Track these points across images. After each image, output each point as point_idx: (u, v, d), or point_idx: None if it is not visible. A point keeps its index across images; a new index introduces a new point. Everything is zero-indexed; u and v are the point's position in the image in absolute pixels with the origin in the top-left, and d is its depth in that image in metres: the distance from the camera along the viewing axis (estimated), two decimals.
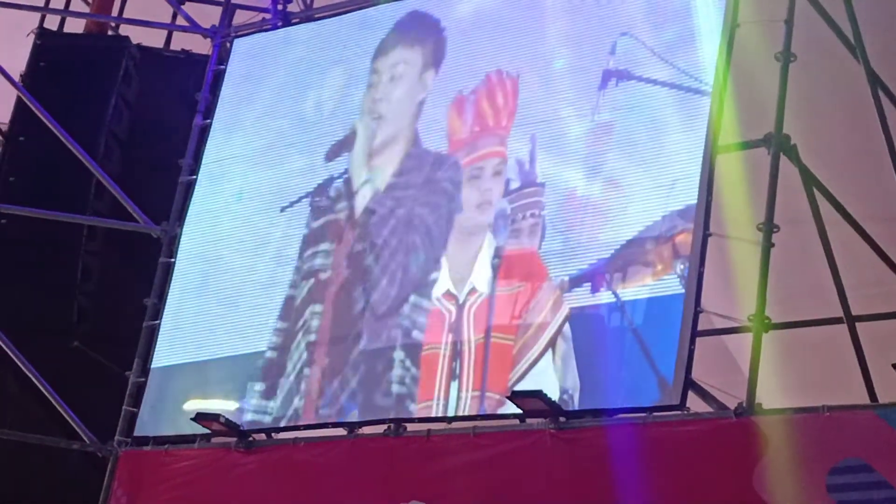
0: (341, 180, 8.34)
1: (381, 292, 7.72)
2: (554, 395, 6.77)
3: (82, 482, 8.74)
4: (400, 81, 8.41)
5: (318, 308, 7.96)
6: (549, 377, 6.89)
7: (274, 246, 8.43)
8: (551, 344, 6.97)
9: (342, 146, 8.43)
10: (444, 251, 7.63)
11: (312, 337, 7.89)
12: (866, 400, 6.78)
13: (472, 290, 7.40)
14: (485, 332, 7.23)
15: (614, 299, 6.88)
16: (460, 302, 7.43)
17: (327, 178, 8.41)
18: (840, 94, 8.22)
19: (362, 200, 8.16)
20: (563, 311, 6.99)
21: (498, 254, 7.41)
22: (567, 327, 6.94)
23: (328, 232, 8.21)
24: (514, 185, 7.55)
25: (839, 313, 6.98)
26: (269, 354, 8.06)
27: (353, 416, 7.51)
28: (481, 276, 7.41)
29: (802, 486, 5.97)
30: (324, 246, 8.17)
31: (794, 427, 6.12)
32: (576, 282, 7.03)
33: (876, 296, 7.65)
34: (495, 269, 7.38)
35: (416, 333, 7.49)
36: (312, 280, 8.09)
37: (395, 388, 7.42)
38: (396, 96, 8.39)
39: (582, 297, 6.99)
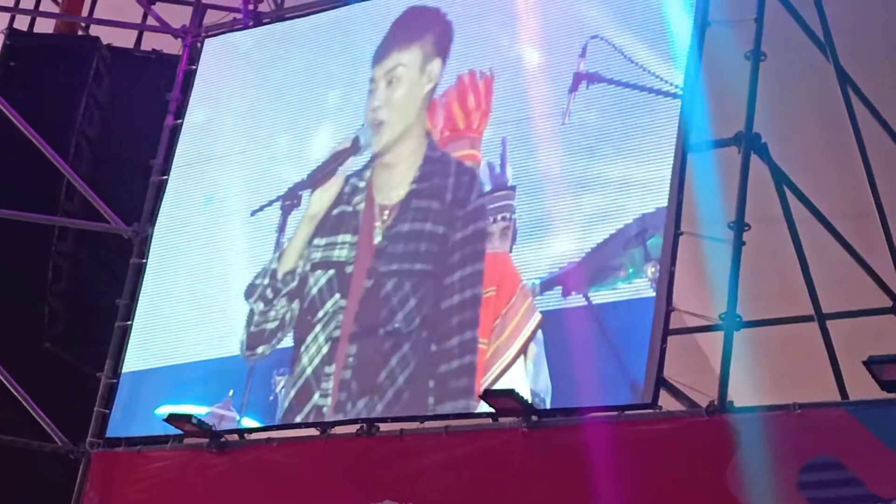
0: (354, 174, 8.20)
1: (405, 318, 7.55)
2: (529, 395, 6.77)
3: (54, 484, 8.71)
4: (398, 83, 8.36)
5: (342, 302, 7.85)
6: (522, 381, 6.89)
7: (245, 248, 8.39)
8: (524, 349, 6.97)
9: (347, 152, 8.30)
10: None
11: (335, 332, 7.77)
12: (837, 397, 6.80)
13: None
14: None
15: (585, 303, 6.89)
16: None
17: (302, 180, 8.38)
18: (810, 93, 8.25)
19: (382, 197, 8.02)
20: (536, 315, 6.99)
21: None
22: (539, 332, 6.94)
23: (346, 225, 8.07)
24: (486, 188, 7.54)
25: (810, 311, 7.01)
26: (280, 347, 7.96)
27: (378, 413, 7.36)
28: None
29: (774, 484, 5.99)
30: (344, 238, 8.03)
31: (766, 425, 6.14)
32: (547, 285, 7.04)
33: (846, 293, 7.68)
34: None
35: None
36: (333, 271, 7.97)
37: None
38: (397, 97, 8.34)
39: (553, 300, 7.00)
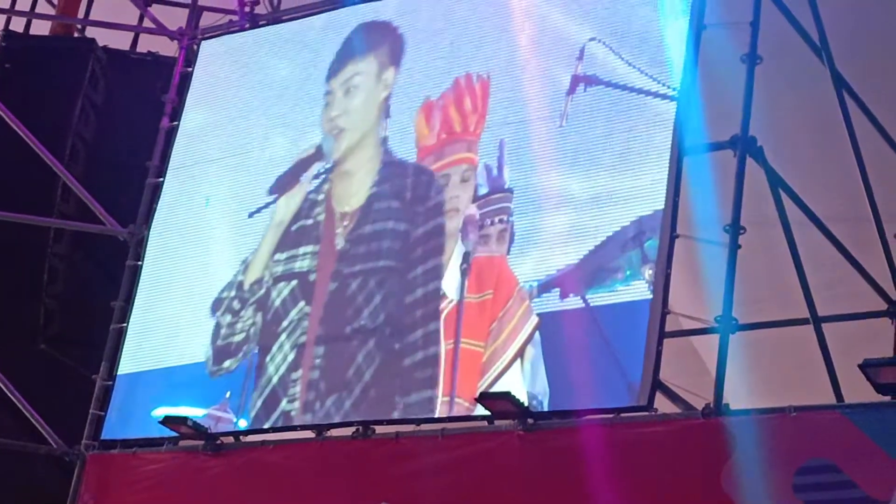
0: (314, 190, 8.28)
1: (370, 314, 7.62)
2: (525, 399, 6.78)
3: (49, 486, 8.70)
4: (356, 91, 8.42)
5: (306, 309, 7.90)
6: (519, 384, 6.89)
7: (239, 250, 8.40)
8: (521, 352, 6.97)
9: (311, 159, 8.38)
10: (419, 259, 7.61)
11: (300, 338, 7.83)
12: (833, 400, 6.80)
13: (443, 296, 7.40)
14: (454, 338, 7.23)
15: (583, 305, 6.89)
16: None
17: (295, 182, 8.39)
18: (806, 96, 8.26)
19: (342, 205, 8.10)
20: (533, 318, 6.99)
21: (466, 259, 7.41)
22: (536, 334, 6.95)
23: (307, 237, 8.15)
24: (483, 190, 7.55)
25: (805, 314, 7.01)
26: (243, 357, 8.03)
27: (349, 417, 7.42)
28: (451, 282, 7.41)
29: (770, 487, 6.00)
30: (305, 249, 8.11)
31: (762, 427, 6.14)
32: (544, 287, 7.04)
33: (842, 296, 7.69)
34: (464, 274, 7.38)
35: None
36: (295, 282, 8.04)
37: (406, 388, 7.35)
38: (355, 105, 8.39)
39: (551, 302, 7.00)
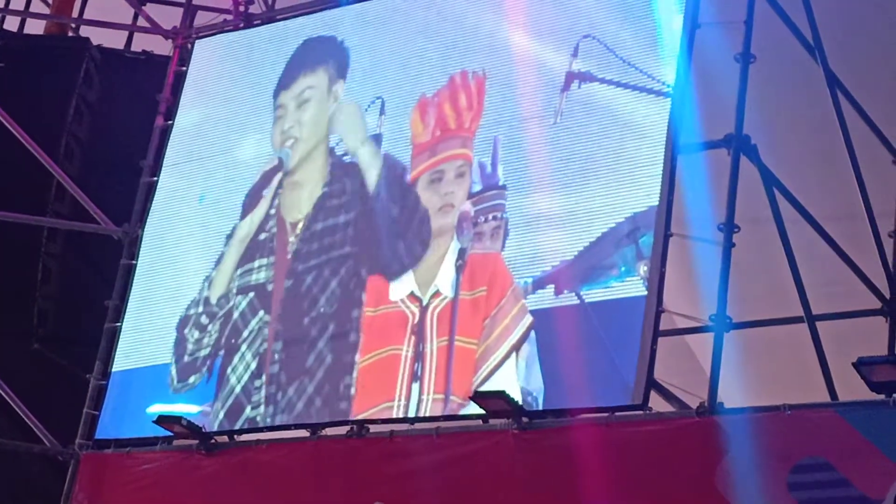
0: (270, 203, 8.35)
1: (327, 300, 7.72)
2: (518, 397, 6.78)
3: (43, 486, 8.69)
4: (308, 104, 8.49)
5: (266, 318, 7.96)
6: (513, 381, 6.89)
7: (236, 248, 8.42)
8: (514, 348, 6.97)
9: (273, 171, 8.45)
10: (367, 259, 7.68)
11: (261, 347, 7.88)
12: (827, 399, 6.81)
13: (437, 293, 7.40)
14: (448, 335, 7.23)
15: (578, 301, 6.89)
16: (424, 304, 7.43)
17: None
18: (799, 95, 8.26)
19: (293, 215, 8.17)
20: (527, 318, 7.00)
21: (462, 256, 7.42)
22: (531, 331, 6.95)
23: (262, 249, 8.22)
24: (477, 187, 7.55)
25: (800, 312, 7.01)
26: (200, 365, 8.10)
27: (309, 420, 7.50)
28: (446, 278, 7.41)
29: (764, 485, 6.00)
30: (260, 262, 8.18)
31: (756, 426, 6.15)
32: (539, 284, 7.04)
33: (836, 295, 7.69)
34: (459, 271, 7.38)
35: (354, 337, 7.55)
36: (252, 294, 8.09)
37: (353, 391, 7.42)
38: (307, 118, 8.46)
39: (545, 299, 7.00)
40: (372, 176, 7.97)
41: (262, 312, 8.00)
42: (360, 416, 7.35)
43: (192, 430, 7.77)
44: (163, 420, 7.82)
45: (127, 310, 8.62)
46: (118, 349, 8.53)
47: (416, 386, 7.22)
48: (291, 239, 8.09)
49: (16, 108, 9.34)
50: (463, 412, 7.00)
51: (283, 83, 8.70)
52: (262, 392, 7.72)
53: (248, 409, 7.76)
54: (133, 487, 7.98)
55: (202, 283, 8.37)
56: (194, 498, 7.75)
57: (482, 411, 6.88)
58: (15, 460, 8.78)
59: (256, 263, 8.20)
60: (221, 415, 7.85)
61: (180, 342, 8.26)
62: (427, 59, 8.16)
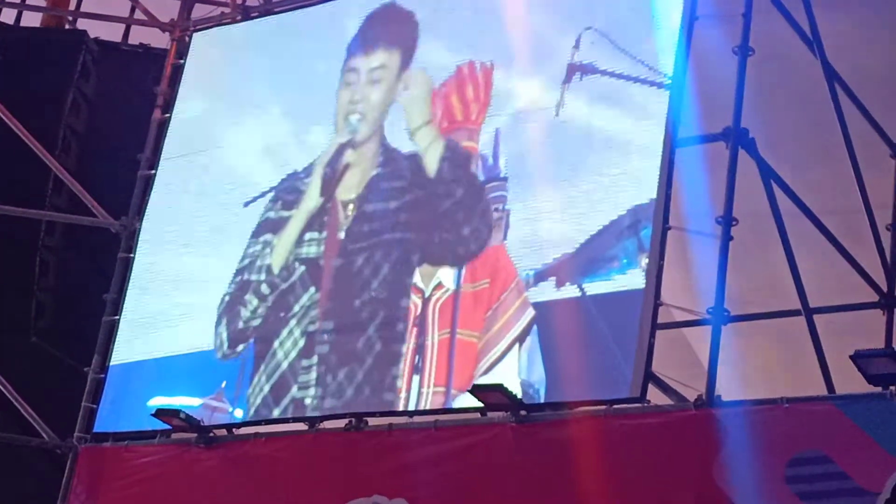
0: (318, 175, 8.25)
1: (380, 284, 7.64)
2: (519, 389, 6.78)
3: (42, 479, 8.70)
4: (378, 84, 8.37)
5: (316, 296, 7.87)
6: (513, 375, 6.90)
7: (236, 240, 8.39)
8: (517, 341, 6.97)
9: (345, 146, 8.32)
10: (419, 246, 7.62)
11: (310, 325, 7.80)
12: (824, 392, 6.82)
13: (439, 285, 7.40)
14: (449, 327, 7.23)
15: (579, 294, 6.90)
16: (426, 296, 7.43)
17: (295, 172, 8.38)
18: (798, 88, 8.26)
19: (347, 194, 8.09)
20: (529, 308, 7.00)
21: None
22: (533, 325, 6.95)
23: (317, 224, 8.13)
24: (480, 179, 7.55)
25: (797, 305, 7.03)
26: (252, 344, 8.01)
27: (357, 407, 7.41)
28: (448, 271, 7.41)
29: (762, 478, 6.01)
30: (311, 235, 8.09)
31: (754, 419, 6.16)
32: (541, 276, 7.05)
33: (833, 288, 7.69)
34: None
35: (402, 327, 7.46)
36: (304, 268, 8.02)
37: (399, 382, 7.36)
38: (375, 99, 8.34)
39: (547, 291, 7.01)
40: (432, 160, 7.86)
41: (312, 289, 7.89)
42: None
43: (190, 424, 7.77)
44: (161, 413, 7.82)
45: (125, 302, 8.62)
46: (117, 341, 8.52)
47: (416, 379, 7.23)
48: (342, 218, 8.01)
49: (13, 101, 9.34)
50: (463, 404, 7.00)
51: (362, 44, 8.50)
52: (313, 373, 7.62)
53: (294, 389, 7.65)
54: (131, 480, 7.98)
55: (261, 249, 8.26)
56: (193, 491, 7.76)
57: (481, 404, 6.90)
58: (13, 453, 8.78)
59: (308, 236, 8.08)
60: (267, 388, 7.74)
61: (231, 307, 8.18)
62: (435, 50, 8.11)
